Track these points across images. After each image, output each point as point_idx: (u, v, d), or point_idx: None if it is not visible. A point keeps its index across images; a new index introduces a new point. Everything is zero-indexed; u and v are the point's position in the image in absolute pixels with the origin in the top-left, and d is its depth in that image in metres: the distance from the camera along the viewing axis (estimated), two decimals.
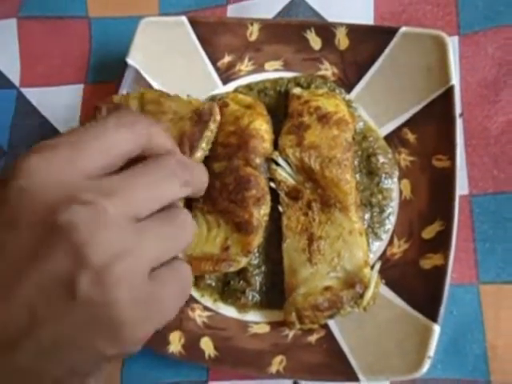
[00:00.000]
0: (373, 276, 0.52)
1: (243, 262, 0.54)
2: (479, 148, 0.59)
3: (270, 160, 0.57)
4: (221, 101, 0.61)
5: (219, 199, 0.55)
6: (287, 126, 0.58)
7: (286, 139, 0.56)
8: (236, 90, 0.65)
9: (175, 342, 0.54)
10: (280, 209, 0.56)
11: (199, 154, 0.54)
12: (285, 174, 0.56)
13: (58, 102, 0.71)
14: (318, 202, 0.54)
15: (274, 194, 0.56)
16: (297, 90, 0.60)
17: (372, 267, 0.54)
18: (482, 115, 0.59)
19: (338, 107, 0.57)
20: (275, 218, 0.56)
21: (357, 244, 0.52)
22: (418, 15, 0.64)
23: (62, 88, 0.72)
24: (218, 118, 0.56)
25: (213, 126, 0.55)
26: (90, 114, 0.69)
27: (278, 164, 0.56)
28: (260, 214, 0.54)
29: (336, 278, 0.52)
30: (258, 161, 0.56)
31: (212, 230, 0.55)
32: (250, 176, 0.55)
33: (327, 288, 0.51)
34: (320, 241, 0.53)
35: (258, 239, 0.54)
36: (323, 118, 0.56)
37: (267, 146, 0.57)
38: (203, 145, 0.54)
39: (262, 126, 0.57)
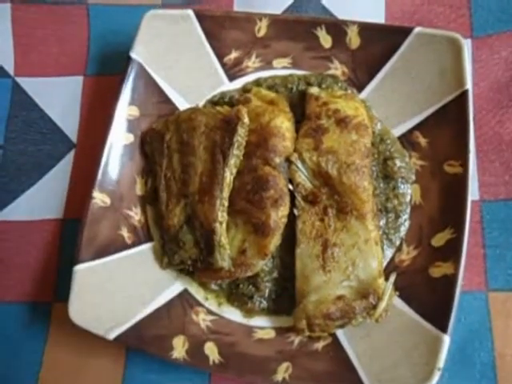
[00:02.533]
0: (387, 288, 0.51)
1: (259, 265, 0.53)
2: (491, 153, 0.58)
3: (290, 160, 0.55)
4: (243, 97, 0.59)
5: (237, 199, 0.54)
6: (304, 128, 0.56)
7: (303, 142, 0.55)
8: (244, 87, 0.63)
9: (179, 348, 0.53)
10: (295, 212, 0.55)
11: (232, 161, 0.54)
12: (303, 177, 0.54)
13: (56, 93, 0.69)
14: (334, 208, 0.53)
15: (291, 197, 0.55)
16: (314, 90, 0.58)
17: (386, 277, 0.53)
18: (494, 120, 0.58)
19: (357, 110, 0.56)
20: (290, 221, 0.55)
21: (372, 253, 0.51)
22: (430, 16, 0.63)
23: (60, 79, 0.70)
24: (246, 120, 0.54)
25: (241, 131, 0.54)
26: (92, 108, 0.68)
27: (297, 165, 0.55)
28: (278, 215, 0.53)
29: (349, 287, 0.51)
30: (277, 160, 0.54)
31: (230, 231, 0.54)
32: (268, 176, 0.53)
33: (340, 297, 0.51)
34: (335, 248, 0.52)
35: (274, 242, 0.53)
36: (342, 122, 0.55)
37: (288, 144, 0.55)
38: (235, 151, 0.54)
39: (283, 124, 0.55)
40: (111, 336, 0.52)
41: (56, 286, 0.61)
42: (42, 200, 0.65)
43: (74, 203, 0.64)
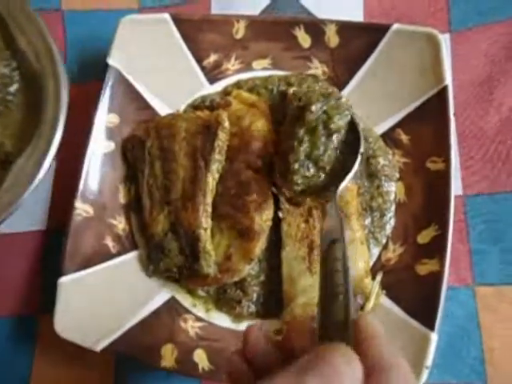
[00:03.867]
0: (374, 287, 0.51)
1: (246, 270, 0.53)
2: (473, 148, 0.58)
3: (272, 163, 0.55)
4: (223, 100, 0.59)
5: (221, 204, 0.54)
6: (287, 130, 0.56)
7: (286, 145, 0.55)
8: (225, 90, 0.63)
9: (168, 356, 0.53)
10: (280, 215, 0.54)
11: (215, 166, 0.54)
12: None
13: None
14: (319, 209, 0.53)
15: (274, 200, 0.55)
16: (295, 90, 0.58)
17: (373, 276, 0.53)
18: (475, 115, 0.59)
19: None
20: (275, 224, 0.54)
21: (358, 253, 0.51)
22: (409, 12, 0.62)
23: None
24: (227, 124, 0.54)
25: (222, 135, 0.54)
26: (71, 116, 0.67)
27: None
28: (262, 219, 0.52)
29: None
30: (259, 163, 0.54)
31: (215, 236, 0.54)
32: (251, 180, 0.53)
33: None
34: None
35: (260, 246, 0.53)
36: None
37: (269, 147, 0.55)
38: (216, 156, 0.53)
39: (264, 127, 0.55)
40: (99, 347, 0.52)
41: (41, 298, 0.60)
42: (24, 212, 0.63)
43: (56, 214, 0.64)
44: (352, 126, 0.51)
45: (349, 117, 0.52)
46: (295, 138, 0.52)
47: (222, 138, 0.54)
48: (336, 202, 0.45)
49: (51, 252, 0.62)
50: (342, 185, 0.46)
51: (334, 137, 0.51)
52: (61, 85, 0.56)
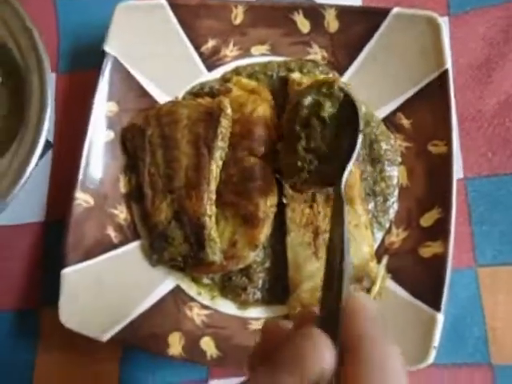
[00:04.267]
0: (380, 270, 0.52)
1: (251, 256, 0.53)
2: (473, 131, 0.58)
3: (276, 149, 0.54)
4: (223, 87, 0.58)
5: (224, 191, 0.54)
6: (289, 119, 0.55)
7: (286, 141, 0.54)
8: (223, 76, 0.62)
9: (175, 344, 0.53)
10: (284, 200, 0.54)
11: (218, 154, 0.53)
12: None
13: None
14: (322, 194, 0.53)
15: (278, 186, 0.55)
16: (296, 76, 0.58)
17: (378, 260, 0.53)
18: (474, 97, 0.59)
19: None
20: (279, 210, 0.54)
21: (362, 237, 0.52)
22: None
23: None
24: (229, 111, 0.54)
25: (225, 122, 0.53)
26: (68, 106, 0.66)
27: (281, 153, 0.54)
28: (266, 205, 0.52)
29: None
30: (262, 150, 0.54)
31: (219, 224, 0.53)
32: (254, 166, 0.53)
33: None
34: (326, 234, 0.52)
35: (265, 232, 0.52)
36: None
37: (272, 134, 0.55)
38: (219, 143, 0.53)
39: (266, 113, 0.55)
40: (105, 337, 0.52)
41: (42, 291, 0.60)
42: (22, 204, 0.62)
43: (56, 205, 0.63)
44: (351, 108, 0.50)
45: (340, 99, 0.51)
46: (295, 138, 0.52)
47: (225, 125, 0.53)
48: (341, 184, 0.44)
49: (51, 244, 0.61)
50: (349, 166, 0.45)
51: (330, 124, 0.51)
52: (45, 78, 0.54)
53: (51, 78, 0.55)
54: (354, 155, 0.46)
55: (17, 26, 0.55)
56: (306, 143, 0.50)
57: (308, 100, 0.51)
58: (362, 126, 0.47)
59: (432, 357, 0.48)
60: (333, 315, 0.32)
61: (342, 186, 0.43)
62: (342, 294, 0.32)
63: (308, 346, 0.30)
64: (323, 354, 0.30)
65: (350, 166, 0.45)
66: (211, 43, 0.62)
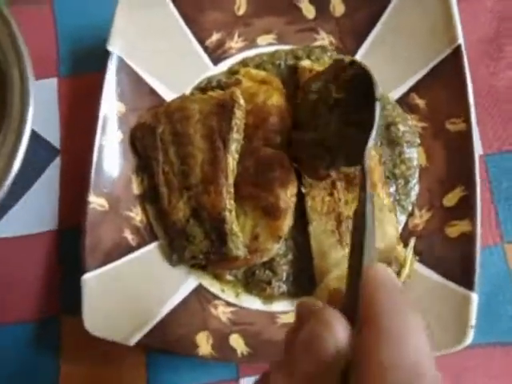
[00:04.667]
0: (408, 253, 0.50)
1: (274, 249, 0.52)
2: (488, 106, 0.58)
3: (291, 137, 0.53)
4: (232, 79, 0.57)
5: (242, 185, 0.52)
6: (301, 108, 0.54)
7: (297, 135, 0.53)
8: (230, 69, 0.61)
9: (203, 344, 0.51)
10: (303, 190, 0.53)
11: (233, 146, 0.52)
12: None
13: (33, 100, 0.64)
14: (342, 180, 0.52)
15: (296, 175, 0.54)
16: (306, 63, 0.56)
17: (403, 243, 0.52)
18: (487, 73, 0.58)
19: None
20: (298, 200, 0.53)
21: (387, 221, 0.51)
22: None
23: (34, 84, 0.65)
24: (242, 102, 0.52)
25: (239, 113, 0.52)
26: (72, 110, 0.64)
27: (297, 142, 0.53)
28: (287, 195, 0.51)
29: None
30: (278, 139, 0.52)
31: (238, 219, 0.52)
32: (271, 156, 0.52)
33: None
34: (349, 220, 0.50)
35: (287, 223, 0.51)
36: None
37: (286, 122, 0.53)
38: (234, 135, 0.52)
39: (279, 102, 0.54)
40: (132, 341, 0.50)
41: (61, 299, 0.58)
42: (32, 213, 0.61)
43: (67, 212, 0.61)
44: (364, 81, 0.48)
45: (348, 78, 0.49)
46: (307, 126, 0.51)
47: (239, 116, 0.52)
48: (364, 158, 0.43)
49: (66, 252, 0.60)
50: (371, 138, 0.44)
51: (340, 107, 0.50)
52: (27, 75, 0.52)
53: (31, 69, 0.53)
54: (375, 126, 0.44)
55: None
56: (317, 130, 0.49)
57: (316, 85, 0.50)
58: (378, 94, 0.45)
59: (470, 337, 0.47)
60: (355, 291, 0.31)
61: (365, 160, 0.41)
62: (363, 267, 0.31)
63: (321, 326, 0.29)
64: (336, 332, 0.28)
65: (372, 139, 0.44)
66: (215, 36, 0.61)
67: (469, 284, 0.48)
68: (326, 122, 0.50)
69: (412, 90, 0.57)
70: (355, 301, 0.30)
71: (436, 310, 0.49)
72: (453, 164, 0.54)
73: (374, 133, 0.44)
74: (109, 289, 0.53)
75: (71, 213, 0.60)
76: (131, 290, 0.54)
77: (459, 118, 0.54)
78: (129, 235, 0.56)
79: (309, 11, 0.60)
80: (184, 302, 0.54)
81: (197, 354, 0.51)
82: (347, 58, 0.48)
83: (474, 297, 0.48)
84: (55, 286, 0.58)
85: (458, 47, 0.54)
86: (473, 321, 0.47)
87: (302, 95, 0.55)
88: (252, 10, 0.60)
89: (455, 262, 0.50)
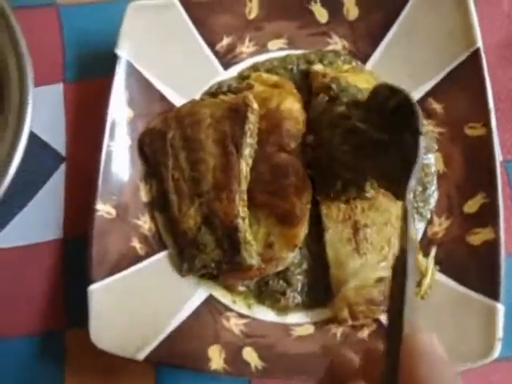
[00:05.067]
0: (430, 262, 0.49)
1: (289, 258, 0.50)
2: (508, 111, 0.56)
3: (306, 143, 0.51)
4: (244, 84, 0.55)
5: (255, 192, 0.51)
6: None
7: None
8: (241, 74, 0.59)
9: (216, 358, 0.49)
10: (317, 197, 0.51)
11: (247, 151, 0.50)
12: None
13: (36, 105, 0.63)
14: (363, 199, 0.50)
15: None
16: (318, 67, 0.55)
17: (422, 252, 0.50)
18: (506, 77, 0.57)
19: (369, 83, 0.53)
20: (312, 208, 0.51)
21: None
22: None
23: (37, 90, 0.64)
24: (255, 106, 0.51)
25: (252, 117, 0.51)
26: (78, 116, 0.63)
27: (313, 148, 0.51)
28: (303, 202, 0.49)
29: (388, 268, 0.48)
30: (292, 145, 0.51)
31: (251, 227, 0.50)
32: (286, 162, 0.50)
33: (380, 279, 0.48)
34: (366, 229, 0.49)
35: (303, 230, 0.50)
36: None
37: (301, 127, 0.52)
38: (248, 140, 0.50)
39: (293, 106, 0.52)
40: (141, 356, 0.48)
41: (67, 311, 0.56)
42: (37, 221, 0.59)
43: (73, 220, 0.59)
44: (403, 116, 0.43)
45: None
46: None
47: (253, 121, 0.51)
48: (405, 196, 0.38)
49: (72, 262, 0.57)
50: (413, 174, 0.40)
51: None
52: (23, 62, 0.50)
53: (29, 62, 0.51)
54: (419, 163, 0.40)
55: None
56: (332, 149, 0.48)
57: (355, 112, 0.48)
58: (421, 127, 0.41)
59: (498, 350, 0.45)
60: (395, 359, 0.28)
61: (407, 201, 0.37)
62: (403, 331, 0.28)
63: None
64: None
65: (415, 176, 0.40)
66: (226, 41, 0.60)
67: (494, 294, 0.46)
68: (343, 144, 0.48)
69: (429, 94, 0.56)
70: (394, 369, 0.27)
71: (460, 322, 0.47)
72: (472, 170, 0.52)
73: (416, 168, 0.40)
74: (116, 300, 0.51)
75: (77, 221, 0.58)
76: (139, 301, 0.51)
77: (478, 122, 0.52)
78: (137, 244, 0.54)
79: (321, 15, 0.58)
80: (195, 314, 0.52)
81: (209, 368, 0.48)
82: (386, 87, 0.45)
83: (500, 307, 0.46)
84: (60, 297, 0.56)
85: (477, 50, 0.52)
86: (500, 333, 0.45)
87: (316, 101, 0.53)
88: (263, 14, 0.59)
89: (479, 272, 0.48)
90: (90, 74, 0.64)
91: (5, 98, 0.50)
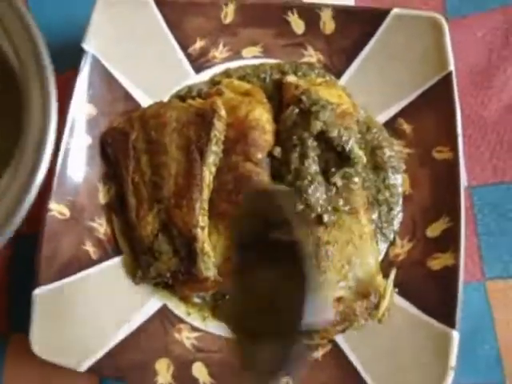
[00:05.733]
0: (389, 284, 0.48)
1: None
2: (476, 137, 0.56)
3: (272, 154, 0.50)
4: (214, 89, 0.54)
5: (217, 201, 0.49)
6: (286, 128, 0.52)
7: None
8: (212, 79, 0.58)
9: (163, 372, 0.47)
10: None
11: (211, 159, 0.49)
12: None
13: None
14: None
15: None
16: (292, 79, 0.54)
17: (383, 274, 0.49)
18: (476, 103, 0.57)
19: (341, 98, 0.52)
20: None
21: (368, 249, 0.48)
22: None
23: None
24: (223, 113, 0.49)
25: (219, 124, 0.49)
26: None
27: (278, 160, 0.50)
28: None
29: (347, 288, 0.47)
30: (259, 155, 0.49)
31: (211, 237, 0.48)
32: (250, 173, 0.49)
33: (339, 299, 0.46)
34: (328, 246, 0.48)
35: None
36: None
37: (269, 138, 0.51)
38: (213, 147, 0.49)
39: (262, 116, 0.51)
40: (83, 367, 0.46)
41: (11, 314, 0.53)
42: None
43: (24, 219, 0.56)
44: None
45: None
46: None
47: (219, 128, 0.49)
48: None
49: (21, 260, 0.55)
50: None
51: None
52: (48, 86, 0.42)
53: (54, 84, 0.43)
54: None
55: (14, 24, 0.43)
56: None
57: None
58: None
59: (450, 379, 0.44)
60: None
61: None
62: None
63: None
64: None
65: None
66: (199, 44, 0.58)
67: (450, 321, 0.46)
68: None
69: (399, 114, 0.55)
70: None
71: (414, 346, 0.47)
72: (438, 193, 0.52)
73: None
74: (63, 306, 0.48)
75: (29, 219, 0.55)
76: (88, 308, 0.49)
77: (446, 146, 0.52)
78: (90, 248, 0.52)
79: (298, 26, 0.57)
80: (145, 324, 0.50)
81: (155, 383, 0.46)
82: None
83: (456, 335, 0.45)
84: (5, 299, 0.53)
85: (449, 74, 0.52)
86: (453, 361, 0.44)
87: (288, 112, 0.52)
88: (239, 20, 0.58)
89: (436, 297, 0.48)
90: (58, 67, 0.61)
91: (23, 125, 0.42)
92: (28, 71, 0.43)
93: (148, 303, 0.51)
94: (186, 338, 0.50)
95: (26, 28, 0.44)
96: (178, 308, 0.51)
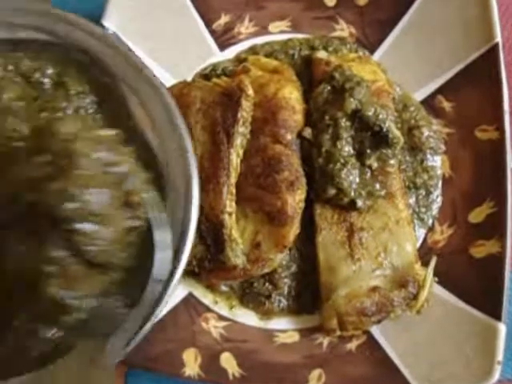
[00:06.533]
0: (429, 273, 0.45)
1: (277, 259, 0.46)
2: None
3: (303, 135, 0.47)
4: (240, 66, 0.51)
5: (244, 185, 0.46)
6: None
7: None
8: (238, 56, 0.55)
9: (191, 363, 0.45)
10: (312, 195, 0.47)
11: (239, 141, 0.46)
12: None
13: None
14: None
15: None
16: (322, 55, 0.51)
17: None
18: None
19: (375, 74, 0.49)
20: (305, 206, 0.47)
21: (405, 235, 0.45)
22: None
23: None
24: (251, 92, 0.47)
25: (246, 104, 0.46)
26: None
27: (309, 141, 0.47)
28: (295, 200, 0.45)
29: (383, 277, 0.44)
30: (289, 137, 0.47)
31: (238, 222, 0.46)
32: (280, 155, 0.46)
33: (374, 288, 0.44)
34: (362, 233, 0.45)
35: (294, 230, 0.46)
36: None
37: (299, 118, 0.48)
38: (240, 129, 0.46)
39: (292, 94, 0.48)
40: None
41: None
42: None
43: None
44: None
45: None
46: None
47: (247, 108, 0.46)
48: None
49: None
50: None
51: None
52: (192, 182, 0.39)
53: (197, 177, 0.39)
54: None
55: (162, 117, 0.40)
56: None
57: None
58: None
59: (497, 374, 0.41)
60: None
61: None
62: None
63: None
64: None
65: None
66: (224, 19, 0.55)
67: (495, 313, 0.43)
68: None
69: (439, 91, 0.52)
70: None
71: (457, 339, 0.44)
72: (481, 176, 0.48)
73: None
74: None
75: None
76: None
77: (491, 125, 0.48)
78: None
79: None
80: (171, 313, 0.48)
81: (183, 374, 0.45)
82: None
83: (502, 327, 0.42)
84: None
85: (495, 46, 0.48)
86: (500, 355, 0.42)
87: (319, 90, 0.49)
88: None
89: (480, 287, 0.45)
90: None
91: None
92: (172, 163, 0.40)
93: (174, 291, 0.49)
94: (214, 327, 0.48)
95: (174, 126, 0.40)
96: (205, 297, 0.50)
